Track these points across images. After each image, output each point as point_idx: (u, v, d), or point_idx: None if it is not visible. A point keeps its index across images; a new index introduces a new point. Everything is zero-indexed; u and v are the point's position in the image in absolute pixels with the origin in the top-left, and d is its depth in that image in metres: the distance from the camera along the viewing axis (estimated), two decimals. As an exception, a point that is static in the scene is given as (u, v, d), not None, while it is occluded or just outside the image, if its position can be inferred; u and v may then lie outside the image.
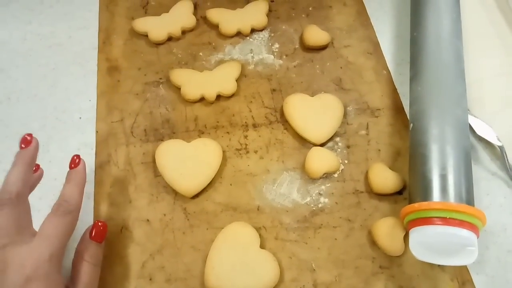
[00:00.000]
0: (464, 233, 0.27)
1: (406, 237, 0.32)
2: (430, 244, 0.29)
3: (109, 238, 0.33)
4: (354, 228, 0.33)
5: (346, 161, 0.36)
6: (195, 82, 0.39)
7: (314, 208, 0.34)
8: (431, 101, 0.33)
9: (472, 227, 0.28)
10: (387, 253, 0.32)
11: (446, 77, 0.34)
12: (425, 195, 0.30)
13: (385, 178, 0.34)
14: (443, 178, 0.30)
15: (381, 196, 0.34)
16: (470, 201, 0.29)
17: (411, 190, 0.32)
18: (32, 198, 0.34)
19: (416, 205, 0.29)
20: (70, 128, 0.38)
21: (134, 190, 0.35)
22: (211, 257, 0.31)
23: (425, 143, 0.32)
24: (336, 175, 0.35)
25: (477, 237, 0.28)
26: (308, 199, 0.34)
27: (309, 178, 0.35)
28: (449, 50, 0.36)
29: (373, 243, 0.32)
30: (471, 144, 0.35)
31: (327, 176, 0.35)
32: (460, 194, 0.29)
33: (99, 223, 0.29)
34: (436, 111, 0.33)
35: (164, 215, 0.34)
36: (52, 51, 0.42)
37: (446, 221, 0.28)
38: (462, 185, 0.29)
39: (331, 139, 0.37)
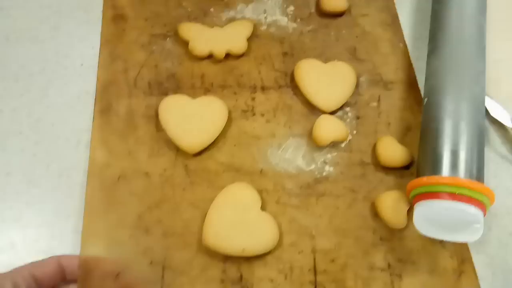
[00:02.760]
0: (472, 210, 0.27)
1: (409, 212, 0.31)
2: (435, 219, 0.28)
3: (105, 184, 0.31)
4: (357, 199, 0.32)
5: (354, 132, 0.35)
6: (204, 38, 0.37)
7: (318, 176, 0.33)
8: (449, 76, 0.32)
9: (480, 205, 0.27)
10: (389, 226, 0.31)
11: (467, 53, 0.33)
12: (434, 169, 0.29)
13: (393, 151, 0.33)
14: (454, 154, 0.29)
15: (388, 169, 0.33)
16: (480, 179, 0.28)
17: (419, 164, 0.31)
18: (29, 142, 0.33)
19: (424, 179, 0.29)
20: (71, 74, 0.36)
21: (134, 142, 0.33)
22: (210, 215, 0.30)
23: (438, 117, 0.31)
24: (343, 145, 0.35)
25: (484, 216, 0.28)
26: (313, 166, 0.34)
27: (316, 146, 0.34)
28: (472, 26, 0.34)
29: (375, 215, 0.32)
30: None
31: (334, 145, 0.34)
32: (470, 171, 0.28)
33: None
34: (453, 86, 0.32)
35: (165, 170, 0.32)
36: (55, -7, 0.40)
37: (455, 196, 0.27)
38: (474, 163, 0.29)
39: (341, 108, 0.36)
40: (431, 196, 0.28)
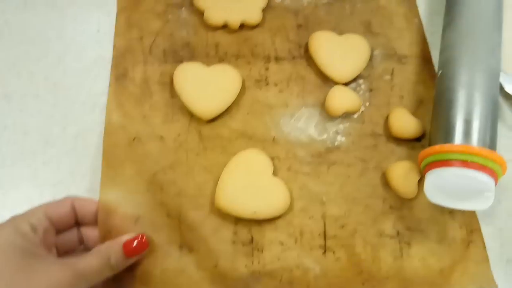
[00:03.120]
0: (484, 177, 0.27)
1: (420, 182, 0.31)
2: (445, 187, 0.28)
3: (121, 143, 0.32)
4: (368, 168, 0.33)
5: (367, 104, 0.35)
6: (219, 7, 0.38)
7: (330, 145, 0.33)
8: (464, 48, 0.32)
9: (492, 173, 0.27)
10: (400, 195, 0.31)
11: (483, 25, 0.33)
12: (447, 138, 0.29)
13: (405, 122, 0.33)
14: (468, 123, 0.29)
15: (399, 140, 0.34)
16: (493, 148, 0.28)
17: (432, 134, 0.31)
18: (46, 104, 0.34)
19: (437, 147, 0.29)
20: (88, 40, 0.37)
21: (149, 108, 0.34)
22: (223, 179, 0.31)
23: (452, 88, 0.31)
24: (355, 116, 0.35)
25: (496, 184, 0.28)
26: (325, 136, 0.34)
27: (328, 116, 0.34)
28: (490, -1, 0.34)
29: (386, 185, 0.32)
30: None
31: (346, 115, 0.35)
32: (484, 140, 0.28)
33: (142, 239, 0.27)
34: (468, 57, 0.32)
35: (178, 135, 0.33)
36: (71, -40, 0.40)
37: (467, 164, 0.27)
38: (487, 132, 0.29)
39: (354, 80, 0.36)
40: (443, 163, 0.28)
